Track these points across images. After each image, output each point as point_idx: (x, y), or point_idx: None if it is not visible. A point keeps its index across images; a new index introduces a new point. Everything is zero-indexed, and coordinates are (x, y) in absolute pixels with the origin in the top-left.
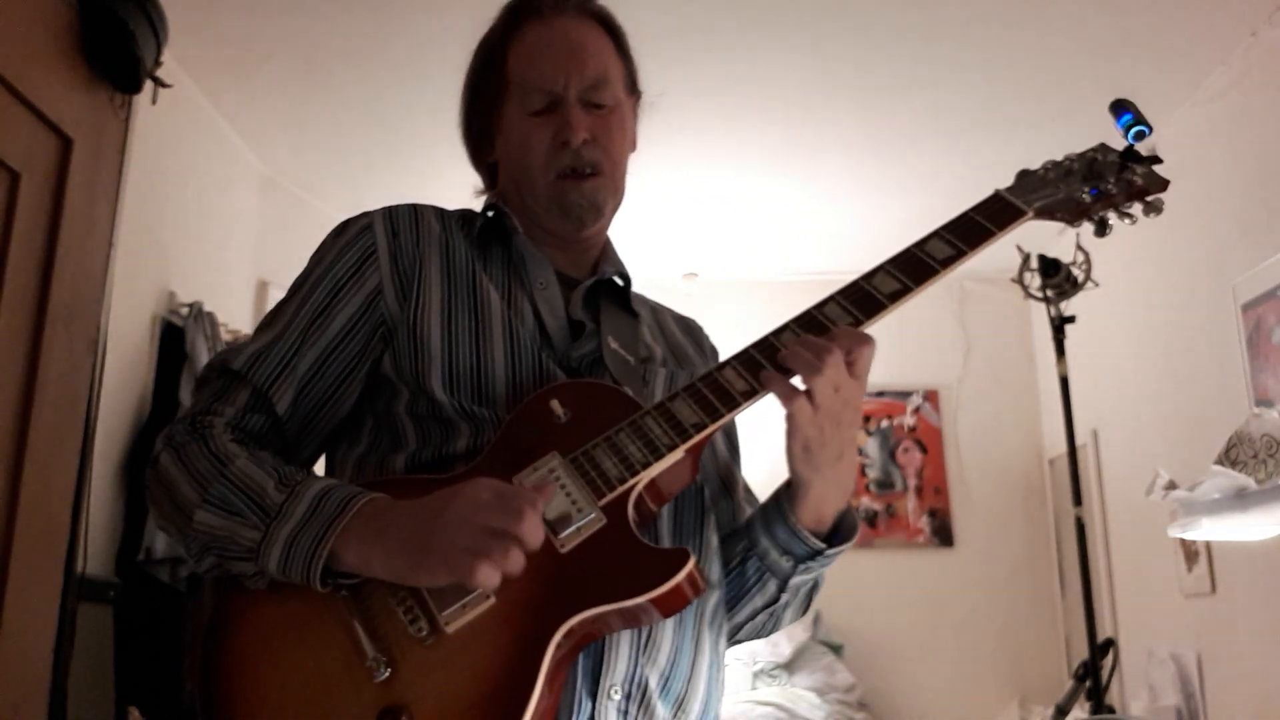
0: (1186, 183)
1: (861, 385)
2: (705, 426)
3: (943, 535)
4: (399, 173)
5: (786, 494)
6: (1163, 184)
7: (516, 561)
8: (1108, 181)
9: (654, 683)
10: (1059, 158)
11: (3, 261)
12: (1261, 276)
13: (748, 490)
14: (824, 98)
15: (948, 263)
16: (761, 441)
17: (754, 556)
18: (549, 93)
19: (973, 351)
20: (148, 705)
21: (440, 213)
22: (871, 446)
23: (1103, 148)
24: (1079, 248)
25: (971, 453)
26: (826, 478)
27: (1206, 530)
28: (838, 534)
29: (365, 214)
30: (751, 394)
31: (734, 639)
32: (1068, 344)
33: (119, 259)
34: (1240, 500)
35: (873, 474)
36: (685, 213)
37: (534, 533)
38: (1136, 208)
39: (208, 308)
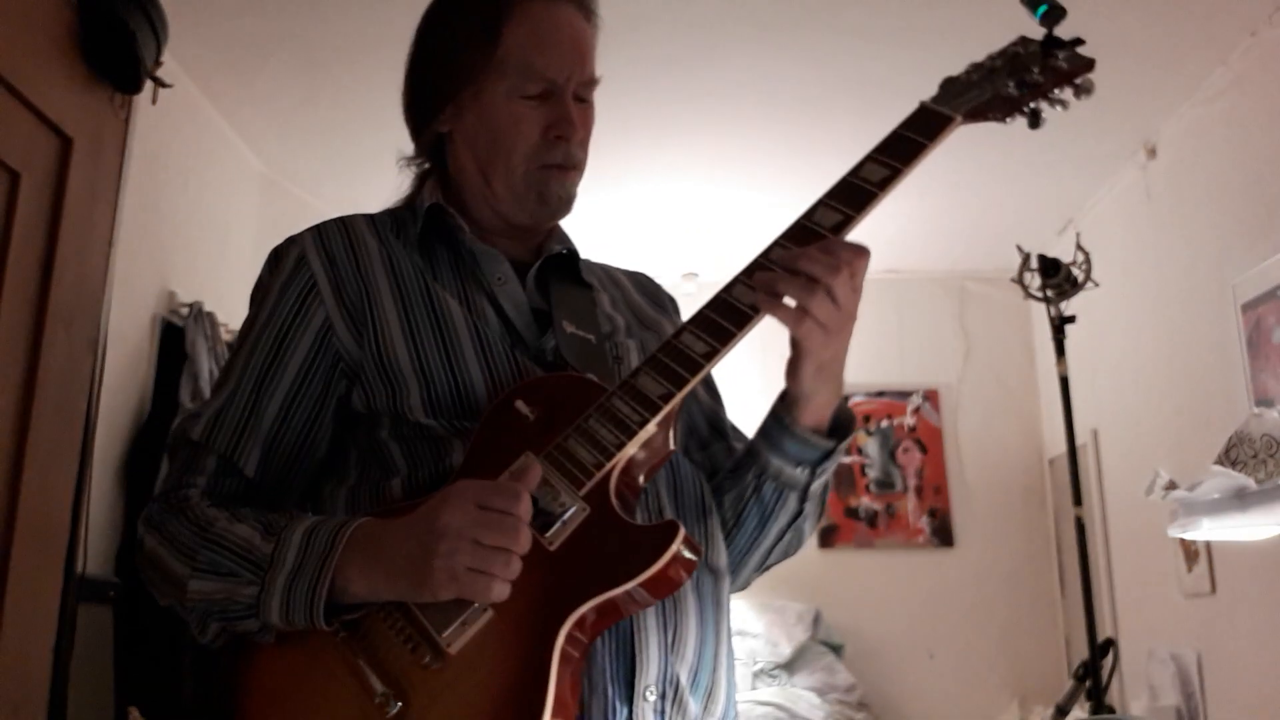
0: (1186, 183)
1: (859, 294)
2: (672, 396)
3: (943, 535)
4: (399, 173)
5: (783, 407)
6: (1088, 63)
7: (516, 569)
8: (1032, 72)
9: (684, 679)
10: (980, 58)
11: (3, 262)
12: (1261, 276)
13: (735, 430)
14: (823, 98)
15: (884, 184)
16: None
17: (768, 479)
18: (550, 82)
19: (973, 351)
20: (148, 705)
21: (371, 221)
22: (871, 446)
23: (1022, 40)
24: (1079, 248)
25: (971, 453)
26: (831, 388)
27: (1206, 530)
28: (838, 427)
29: (294, 241)
30: (714, 353)
31: (765, 565)
32: (1068, 344)
33: (119, 259)
34: (1240, 500)
35: (873, 474)
36: (684, 213)
37: (527, 540)
38: (1067, 93)
39: (208, 308)
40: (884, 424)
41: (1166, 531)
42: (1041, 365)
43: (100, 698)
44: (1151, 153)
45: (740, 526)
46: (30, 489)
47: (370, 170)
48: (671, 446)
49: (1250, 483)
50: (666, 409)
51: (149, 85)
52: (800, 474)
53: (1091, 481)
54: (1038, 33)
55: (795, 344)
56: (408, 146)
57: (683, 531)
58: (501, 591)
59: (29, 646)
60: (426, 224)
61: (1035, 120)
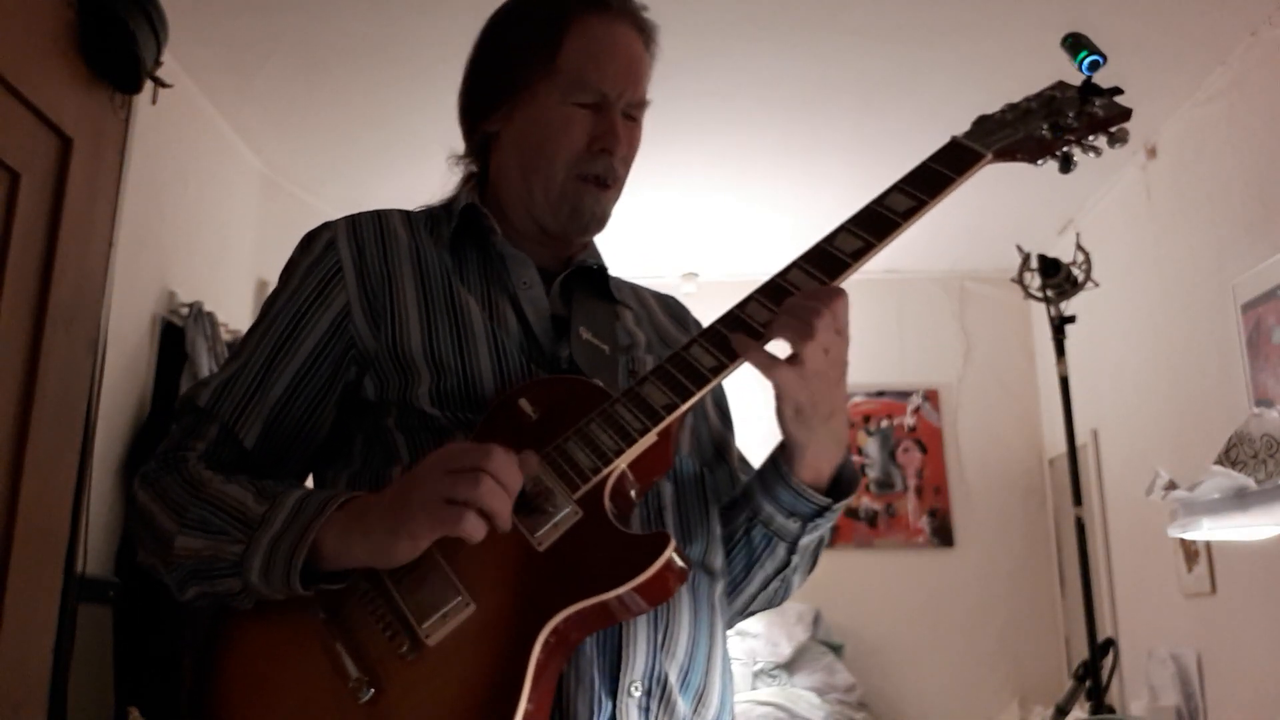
0: (1186, 183)
1: (846, 340)
2: (676, 407)
3: (943, 535)
4: (399, 173)
5: (782, 456)
6: (1125, 113)
7: (493, 497)
8: (1067, 117)
9: (674, 677)
10: (1016, 99)
11: (3, 262)
12: (1261, 276)
13: (742, 459)
14: (823, 98)
15: (909, 214)
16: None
17: (759, 524)
18: (601, 94)
19: (973, 351)
20: (148, 705)
21: (406, 217)
22: (871, 446)
23: (1060, 85)
24: (1079, 248)
25: (971, 453)
26: (821, 436)
27: (1206, 530)
28: (839, 486)
29: (328, 227)
30: (721, 368)
31: (747, 611)
32: (1068, 344)
33: (119, 259)
34: (1240, 500)
35: (873, 474)
36: (685, 213)
37: (505, 469)
38: (1101, 140)
39: (208, 308)
40: (884, 424)
41: (1166, 531)
42: (1041, 365)
43: (100, 698)
44: (1151, 153)
45: (727, 567)
46: (30, 489)
47: (370, 170)
48: (671, 460)
49: (1250, 483)
50: (669, 420)
51: (149, 85)
52: (791, 524)
53: (1091, 481)
54: (1039, 38)
55: (775, 387)
56: (408, 146)
57: (673, 543)
58: (475, 526)
59: (29, 646)
60: (460, 224)
61: (1066, 165)
